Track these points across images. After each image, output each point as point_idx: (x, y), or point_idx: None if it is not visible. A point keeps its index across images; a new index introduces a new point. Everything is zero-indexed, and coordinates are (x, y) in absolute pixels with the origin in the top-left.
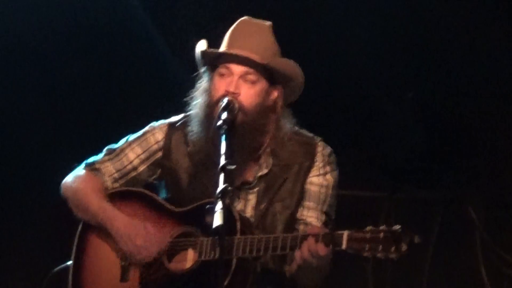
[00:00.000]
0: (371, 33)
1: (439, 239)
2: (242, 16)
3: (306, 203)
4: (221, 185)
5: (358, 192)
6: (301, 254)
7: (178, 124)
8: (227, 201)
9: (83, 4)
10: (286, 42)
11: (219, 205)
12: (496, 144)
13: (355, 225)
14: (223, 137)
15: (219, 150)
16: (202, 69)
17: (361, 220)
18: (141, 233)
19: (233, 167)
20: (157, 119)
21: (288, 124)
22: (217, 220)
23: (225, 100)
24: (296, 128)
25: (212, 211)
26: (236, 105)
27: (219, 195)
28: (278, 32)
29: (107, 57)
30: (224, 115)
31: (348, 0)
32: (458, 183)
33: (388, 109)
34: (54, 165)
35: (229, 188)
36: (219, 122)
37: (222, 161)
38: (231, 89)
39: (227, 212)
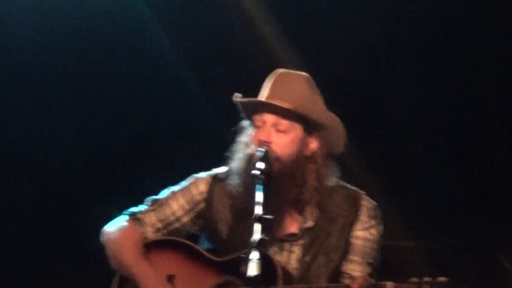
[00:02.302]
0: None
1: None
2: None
3: (351, 257)
4: (256, 235)
5: (391, 241)
6: None
7: (220, 176)
8: (263, 250)
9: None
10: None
11: (254, 255)
12: None
13: (390, 275)
14: (259, 186)
15: (253, 199)
16: (243, 123)
17: (396, 270)
18: None
19: (270, 217)
20: (196, 172)
21: (331, 176)
22: (253, 269)
23: (261, 150)
24: (340, 181)
25: (247, 261)
26: (272, 155)
27: (255, 245)
28: None
29: (145, 112)
30: (260, 165)
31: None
32: (491, 232)
33: (422, 158)
34: (96, 213)
35: (265, 238)
36: (255, 172)
37: (258, 210)
38: (262, 138)
39: (268, 262)
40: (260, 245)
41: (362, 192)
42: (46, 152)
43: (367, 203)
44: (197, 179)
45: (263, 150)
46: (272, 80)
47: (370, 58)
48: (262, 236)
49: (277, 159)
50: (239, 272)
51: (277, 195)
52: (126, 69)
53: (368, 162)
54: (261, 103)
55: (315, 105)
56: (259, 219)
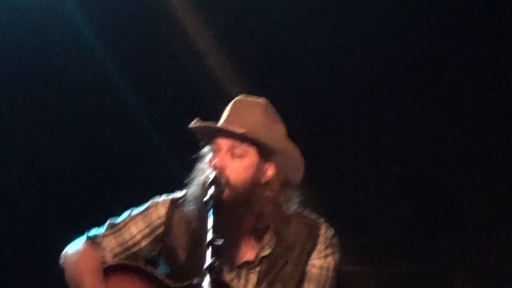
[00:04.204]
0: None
1: None
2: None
3: (306, 285)
4: (208, 260)
5: (344, 267)
6: None
7: (180, 200)
8: (215, 276)
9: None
10: None
11: (206, 281)
12: (480, 217)
13: None
14: (210, 212)
15: (207, 225)
16: (204, 149)
17: None
18: None
19: (220, 242)
20: (158, 194)
21: (290, 204)
22: None
23: (212, 175)
24: (300, 209)
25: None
26: (223, 180)
27: (206, 271)
28: None
29: (107, 136)
30: (211, 190)
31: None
32: (443, 256)
33: (373, 184)
34: (55, 237)
35: (216, 263)
36: (206, 197)
37: (209, 236)
38: (217, 164)
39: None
40: (211, 271)
41: (321, 220)
42: None
43: (325, 232)
44: (157, 203)
45: (213, 174)
46: (230, 106)
47: (319, 83)
48: (212, 262)
49: (229, 184)
50: None
51: (232, 221)
52: (66, 94)
53: (319, 186)
54: (215, 129)
55: (271, 131)
56: (210, 244)
